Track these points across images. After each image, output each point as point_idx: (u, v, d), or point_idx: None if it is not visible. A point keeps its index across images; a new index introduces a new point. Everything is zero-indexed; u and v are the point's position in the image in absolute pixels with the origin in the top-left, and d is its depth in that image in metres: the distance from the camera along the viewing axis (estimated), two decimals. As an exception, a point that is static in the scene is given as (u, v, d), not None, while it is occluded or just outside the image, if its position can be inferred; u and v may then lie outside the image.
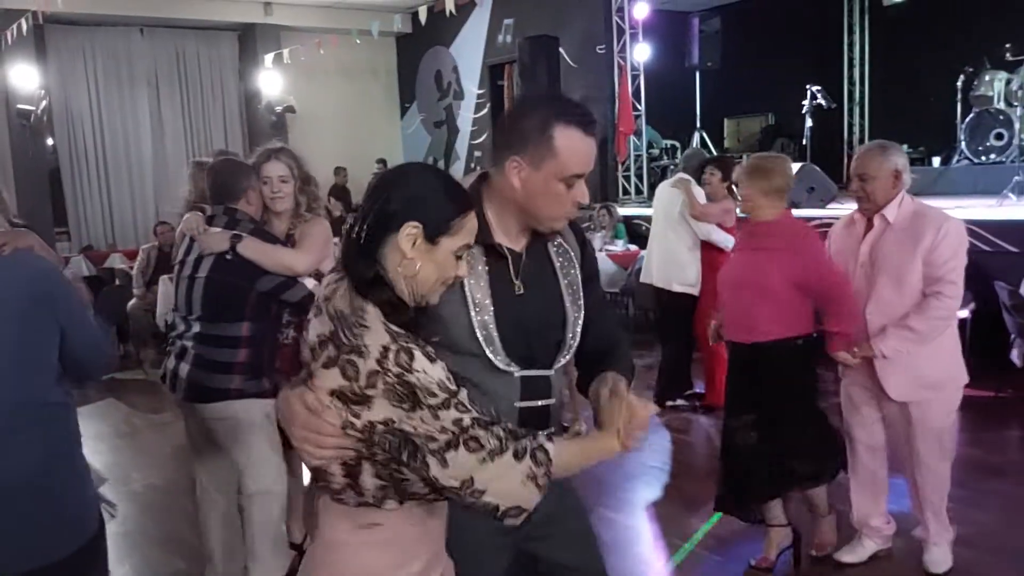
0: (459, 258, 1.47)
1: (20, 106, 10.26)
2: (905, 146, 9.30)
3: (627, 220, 8.71)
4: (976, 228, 5.88)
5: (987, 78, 8.27)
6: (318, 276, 2.94)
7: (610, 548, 3.70)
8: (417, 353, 1.35)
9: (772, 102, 11.27)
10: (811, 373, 3.21)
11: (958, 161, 8.35)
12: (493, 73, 12.33)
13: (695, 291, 5.41)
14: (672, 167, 9.48)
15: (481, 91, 12.58)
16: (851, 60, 11.13)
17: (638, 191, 10.47)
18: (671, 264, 5.48)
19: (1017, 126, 7.87)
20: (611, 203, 9.11)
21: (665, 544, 3.74)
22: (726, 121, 11.97)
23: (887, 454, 3.32)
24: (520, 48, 10.40)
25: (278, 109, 12.35)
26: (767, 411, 3.15)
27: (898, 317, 3.02)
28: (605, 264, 7.50)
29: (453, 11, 8.47)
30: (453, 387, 1.37)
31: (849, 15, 11.03)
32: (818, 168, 7.79)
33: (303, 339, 1.51)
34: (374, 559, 1.46)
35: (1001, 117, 8.00)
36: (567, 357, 1.79)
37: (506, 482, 1.38)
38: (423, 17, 9.27)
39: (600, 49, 10.51)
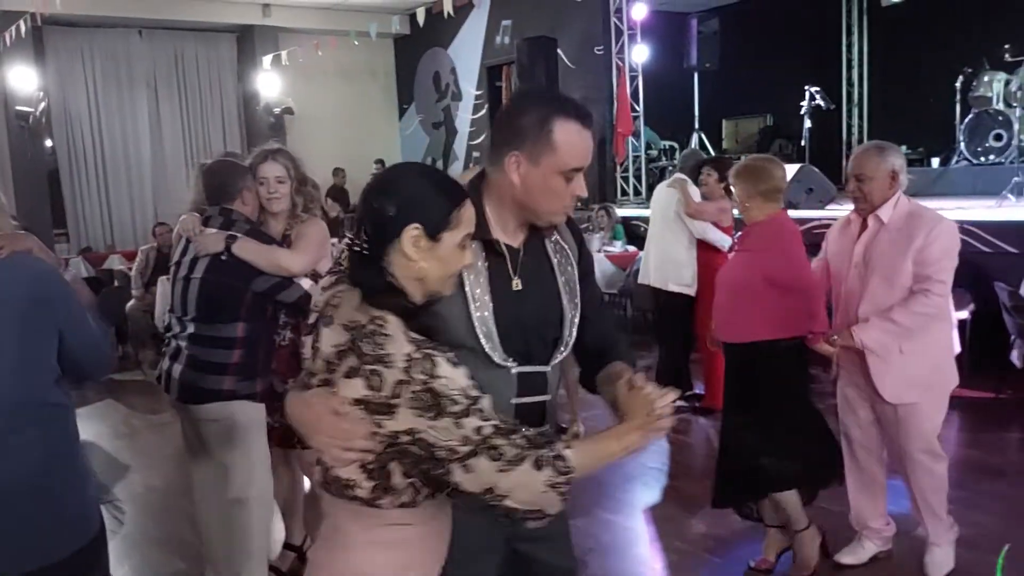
0: (463, 248, 1.49)
1: (19, 107, 10.26)
2: (904, 147, 9.32)
3: (625, 221, 8.70)
4: (975, 229, 5.89)
5: (986, 79, 8.28)
6: (315, 277, 2.94)
7: (609, 550, 3.70)
8: (440, 359, 1.36)
9: (770, 103, 11.27)
10: (798, 375, 3.18)
11: (957, 162, 8.36)
12: (491, 74, 12.33)
13: (691, 291, 5.42)
14: (670, 168, 9.47)
15: (479, 92, 12.58)
16: (850, 61, 11.13)
17: (636, 192, 10.47)
18: (668, 264, 5.49)
19: (1016, 127, 7.87)
20: (609, 204, 9.11)
21: (664, 546, 3.74)
22: (724, 122, 11.97)
23: (885, 455, 3.31)
24: (518, 49, 10.41)
25: (276, 110, 12.35)
26: (753, 411, 3.16)
27: None
28: (603, 265, 7.49)
29: (451, 12, 8.47)
30: (474, 394, 1.38)
31: (848, 16, 11.04)
32: (817, 169, 7.78)
33: (300, 340, 1.51)
34: (384, 559, 1.47)
35: (1000, 118, 8.00)
36: (563, 354, 1.80)
37: (528, 491, 1.39)
38: (421, 18, 9.28)
39: (598, 50, 10.51)
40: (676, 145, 10.88)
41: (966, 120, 8.24)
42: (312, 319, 1.51)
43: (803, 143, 9.02)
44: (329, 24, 12.10)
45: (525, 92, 2.01)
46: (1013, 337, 5.30)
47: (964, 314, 5.49)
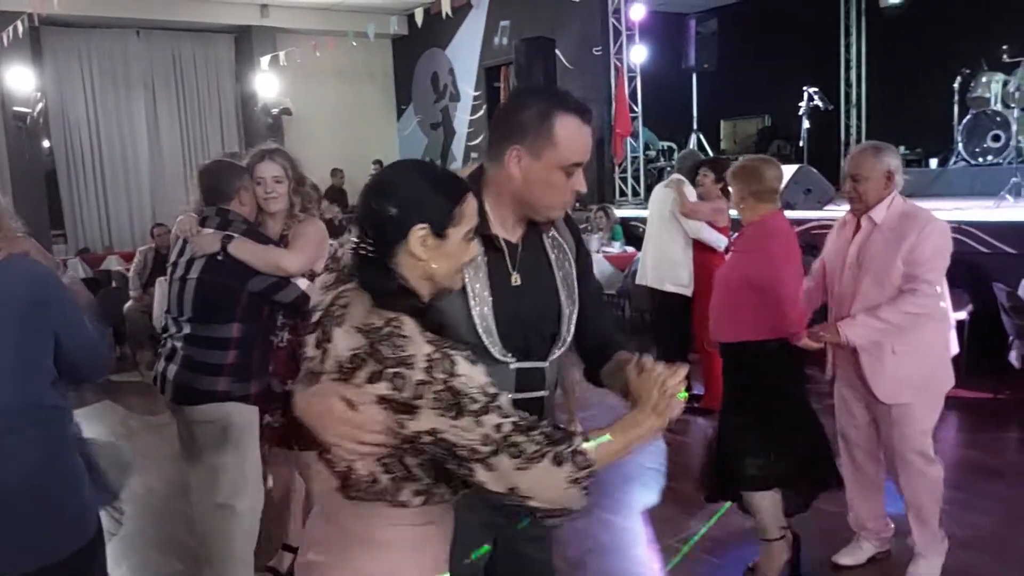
0: (469, 240, 1.49)
1: (16, 108, 10.24)
2: (902, 147, 9.32)
3: (624, 222, 8.71)
4: (973, 230, 5.89)
5: (984, 80, 8.30)
6: (311, 276, 2.93)
7: (608, 550, 3.69)
8: (458, 358, 1.36)
9: (769, 104, 11.29)
10: (789, 376, 3.14)
11: (955, 163, 8.37)
12: (489, 75, 12.33)
13: (687, 291, 5.42)
14: (668, 169, 9.48)
15: (477, 93, 12.58)
16: (848, 62, 11.14)
17: (635, 193, 10.47)
18: (664, 264, 5.50)
19: (1014, 128, 7.88)
20: (608, 205, 9.11)
21: (662, 546, 3.73)
22: (723, 123, 11.98)
23: (883, 455, 3.31)
24: (516, 50, 10.41)
25: (274, 111, 12.34)
26: (743, 412, 3.17)
27: None
28: (602, 266, 7.49)
29: (449, 13, 8.48)
30: (493, 391, 1.38)
31: (846, 17, 11.05)
32: (815, 170, 7.79)
33: (300, 341, 1.50)
34: (388, 559, 1.47)
35: (998, 119, 8.02)
36: (562, 349, 1.81)
37: (550, 489, 1.39)
38: (419, 19, 9.27)
39: (597, 51, 10.52)
40: (674, 146, 10.88)
41: (964, 121, 8.26)
42: (316, 317, 1.50)
43: (801, 144, 9.03)
44: (327, 25, 12.10)
45: (525, 88, 2.03)
46: (1011, 338, 5.30)
47: (962, 315, 5.50)
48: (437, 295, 1.49)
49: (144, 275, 7.96)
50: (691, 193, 5.38)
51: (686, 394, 1.54)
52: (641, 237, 6.23)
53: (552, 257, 1.80)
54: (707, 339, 3.56)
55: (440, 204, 1.44)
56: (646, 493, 4.35)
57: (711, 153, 10.06)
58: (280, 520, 3.52)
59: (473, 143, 12.82)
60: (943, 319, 3.19)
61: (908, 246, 2.94)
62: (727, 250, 5.05)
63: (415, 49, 13.51)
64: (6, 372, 1.81)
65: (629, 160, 10.50)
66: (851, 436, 3.30)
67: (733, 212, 3.90)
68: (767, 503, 3.15)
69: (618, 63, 10.30)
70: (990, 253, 5.85)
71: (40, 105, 10.58)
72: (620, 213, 8.95)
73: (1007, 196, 6.80)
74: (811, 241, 5.77)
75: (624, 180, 10.53)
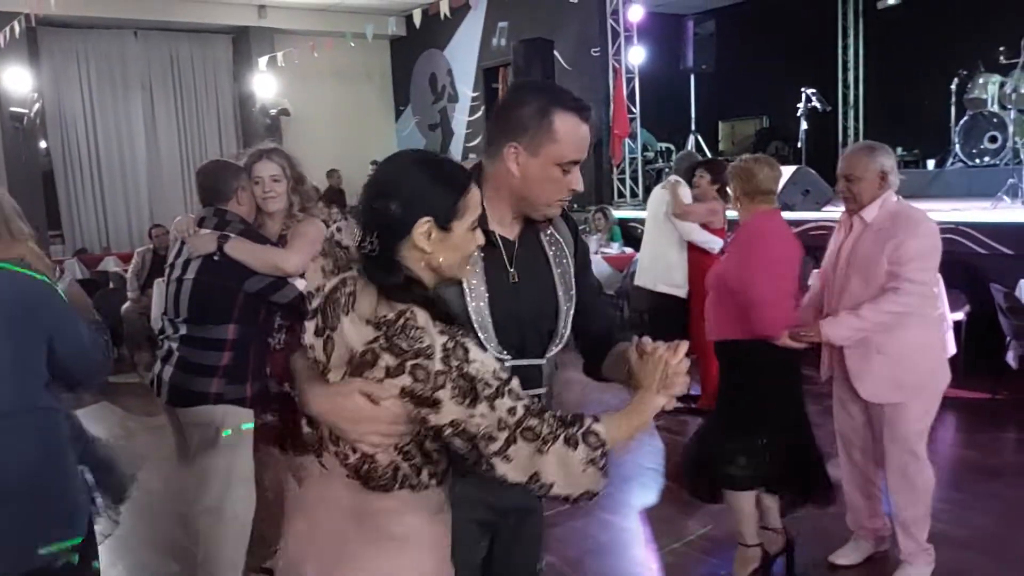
0: (474, 230, 1.50)
1: (13, 109, 10.22)
2: (900, 148, 9.32)
3: (622, 223, 8.71)
4: (971, 231, 5.90)
5: (981, 81, 8.32)
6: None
7: (606, 550, 3.69)
8: (470, 345, 1.39)
9: (767, 105, 11.31)
10: (774, 377, 3.11)
11: (952, 164, 8.39)
12: (487, 76, 12.33)
13: (681, 293, 5.43)
14: (667, 170, 9.49)
15: (475, 94, 12.58)
16: (846, 63, 11.17)
17: (633, 194, 10.48)
18: (658, 265, 5.52)
19: (1011, 129, 7.89)
20: (606, 206, 9.11)
21: (660, 546, 3.73)
22: (721, 124, 12.00)
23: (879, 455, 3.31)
24: (515, 51, 10.40)
25: (272, 112, 12.33)
26: (729, 408, 3.19)
27: None
28: (600, 267, 7.49)
29: (447, 14, 8.49)
30: (504, 375, 1.41)
31: (844, 18, 11.07)
32: (813, 171, 7.79)
33: (298, 344, 1.50)
34: (403, 556, 1.48)
35: (995, 120, 8.03)
36: (559, 347, 1.80)
37: (569, 473, 1.41)
38: (417, 20, 9.29)
39: (595, 52, 10.52)
40: (672, 147, 10.89)
41: (961, 122, 8.27)
42: (315, 303, 1.49)
43: (799, 145, 9.03)
44: (325, 25, 12.10)
45: (524, 84, 2.02)
46: (1009, 338, 5.32)
47: (960, 315, 5.51)
48: (442, 285, 1.50)
49: (142, 276, 7.95)
50: (686, 195, 5.38)
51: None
52: (640, 238, 6.25)
53: (550, 254, 1.80)
54: (702, 339, 3.55)
55: (443, 197, 1.44)
56: (645, 493, 4.35)
57: (709, 154, 10.06)
58: (274, 521, 3.49)
59: (471, 144, 12.81)
60: (932, 319, 3.15)
61: (893, 245, 2.93)
62: (723, 251, 5.06)
63: (413, 50, 13.50)
64: (1, 373, 1.81)
65: (627, 161, 10.50)
66: (848, 436, 3.30)
67: (732, 213, 3.90)
68: (744, 504, 3.16)
69: (616, 64, 10.30)
70: (987, 254, 5.85)
71: (37, 106, 10.57)
72: (618, 214, 8.95)
73: (1004, 197, 6.81)
74: (809, 242, 5.76)
75: (622, 181, 10.53)
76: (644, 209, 6.87)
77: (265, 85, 12.32)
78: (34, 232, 2.06)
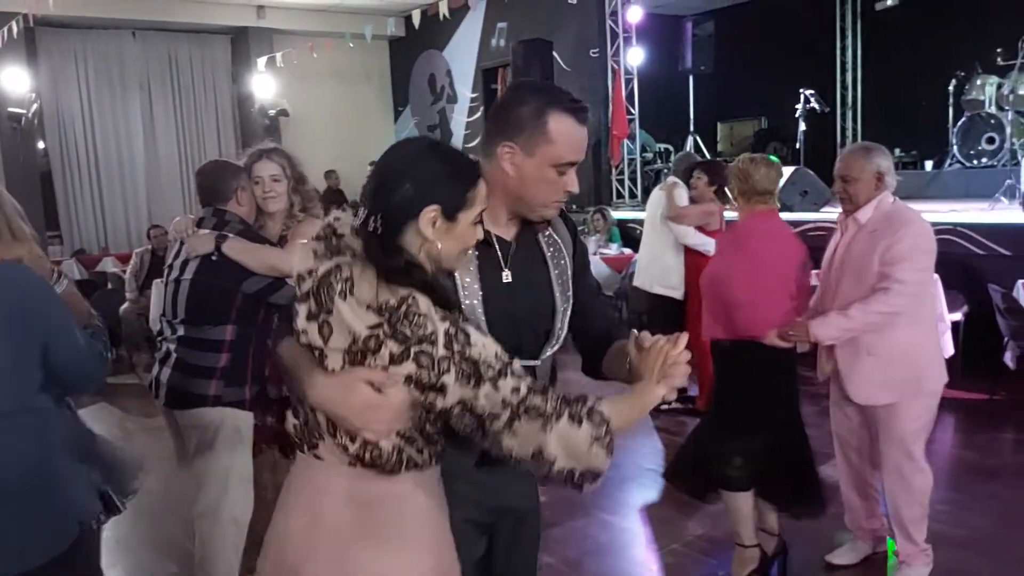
0: (476, 224, 1.50)
1: (11, 109, 10.22)
2: (897, 150, 9.32)
3: (621, 224, 8.72)
4: (968, 231, 5.91)
5: (979, 82, 8.32)
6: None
7: (606, 550, 3.70)
8: (470, 329, 1.40)
9: (765, 106, 11.31)
10: (769, 377, 3.11)
11: (950, 165, 8.40)
12: (486, 77, 12.32)
13: (677, 294, 5.43)
14: (665, 171, 9.50)
15: (474, 95, 12.58)
16: (844, 64, 11.18)
17: (632, 195, 10.48)
18: (655, 267, 5.53)
19: (1008, 130, 7.90)
20: (605, 207, 9.12)
21: (660, 546, 3.74)
22: (719, 125, 12.00)
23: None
24: (514, 52, 10.41)
25: (271, 112, 12.32)
26: (723, 408, 3.20)
27: None
28: (599, 268, 7.51)
29: (447, 14, 8.49)
30: (506, 358, 1.42)
31: (842, 19, 11.08)
32: (811, 172, 7.80)
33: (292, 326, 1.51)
34: (405, 553, 1.49)
35: (992, 121, 8.04)
36: (554, 348, 1.80)
37: (574, 450, 1.41)
38: (416, 20, 9.28)
39: (594, 53, 10.52)
40: (671, 148, 10.89)
41: (959, 123, 8.28)
42: (306, 287, 1.47)
43: (798, 146, 9.04)
44: (324, 26, 12.09)
45: (521, 84, 2.01)
46: (1006, 339, 5.33)
47: (958, 316, 5.52)
48: (437, 273, 1.50)
49: (140, 277, 7.95)
50: (682, 196, 5.38)
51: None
52: (638, 239, 6.25)
53: (547, 254, 1.80)
54: (699, 341, 3.55)
55: (454, 187, 1.45)
56: (644, 493, 4.35)
57: (708, 155, 10.07)
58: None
59: (470, 145, 12.79)
60: (924, 319, 3.13)
61: (885, 245, 2.93)
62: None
63: (412, 51, 13.50)
64: None
65: (626, 162, 10.51)
66: (844, 436, 3.30)
67: (732, 214, 3.91)
68: (741, 505, 3.16)
69: (615, 65, 10.30)
70: (985, 255, 5.86)
71: (35, 106, 10.56)
72: (617, 215, 8.96)
73: (1002, 198, 6.82)
74: (807, 243, 5.76)
75: (621, 182, 10.53)
76: (643, 210, 6.89)
77: (264, 86, 12.31)
78: (35, 233, 2.05)
